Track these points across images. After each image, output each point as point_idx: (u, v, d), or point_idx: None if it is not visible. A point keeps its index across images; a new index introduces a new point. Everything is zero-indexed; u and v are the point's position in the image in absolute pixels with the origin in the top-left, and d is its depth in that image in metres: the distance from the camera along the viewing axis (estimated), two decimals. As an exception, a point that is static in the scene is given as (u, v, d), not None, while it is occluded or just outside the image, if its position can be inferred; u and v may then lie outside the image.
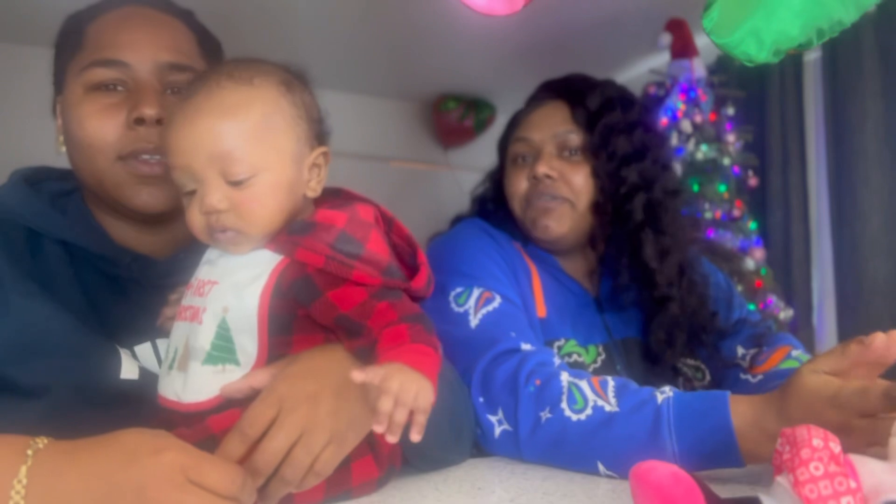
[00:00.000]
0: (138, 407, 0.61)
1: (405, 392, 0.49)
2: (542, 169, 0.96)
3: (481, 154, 4.01)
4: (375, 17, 2.63)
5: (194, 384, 0.58)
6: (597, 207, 0.98)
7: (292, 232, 0.60)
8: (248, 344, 0.58)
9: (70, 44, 0.74)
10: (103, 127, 0.69)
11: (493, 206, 1.08)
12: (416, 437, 0.50)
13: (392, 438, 0.49)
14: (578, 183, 0.97)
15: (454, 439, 0.73)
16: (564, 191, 0.96)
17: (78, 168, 0.73)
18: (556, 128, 0.99)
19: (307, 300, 0.59)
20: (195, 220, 0.60)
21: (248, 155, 0.58)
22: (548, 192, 0.96)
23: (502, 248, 0.97)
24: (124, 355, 0.67)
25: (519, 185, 1.00)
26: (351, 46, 2.90)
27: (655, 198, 0.98)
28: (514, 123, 1.07)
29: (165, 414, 0.61)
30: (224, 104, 0.58)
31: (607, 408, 0.70)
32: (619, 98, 1.01)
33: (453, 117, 3.57)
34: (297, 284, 0.59)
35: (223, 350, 0.58)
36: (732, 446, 0.62)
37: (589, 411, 0.70)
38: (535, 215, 0.98)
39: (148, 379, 0.67)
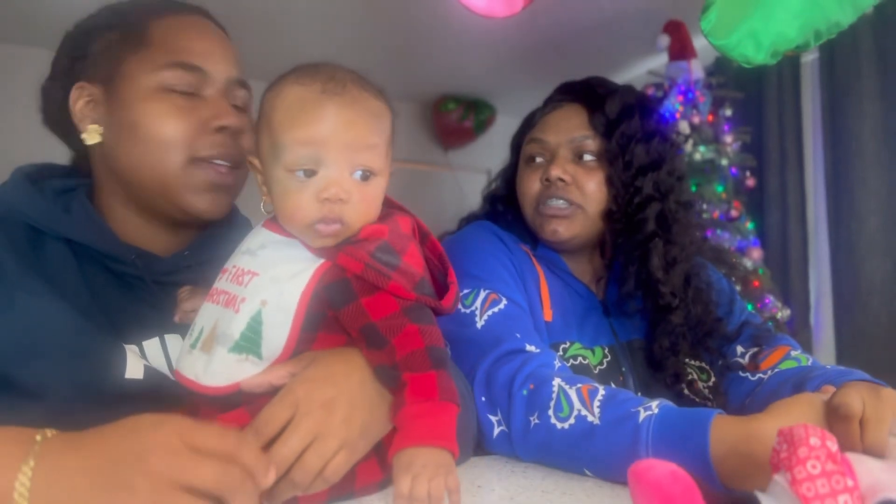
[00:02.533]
0: (142, 407, 0.61)
1: (436, 489, 0.51)
2: (555, 172, 0.95)
3: (481, 155, 4.05)
4: (376, 18, 2.64)
5: (216, 369, 0.59)
6: (608, 214, 0.97)
7: (338, 244, 0.61)
8: (277, 339, 0.59)
9: (130, 36, 0.72)
10: (177, 126, 0.69)
11: (503, 205, 1.08)
12: None
13: None
14: (591, 189, 0.96)
15: (460, 447, 0.73)
16: (576, 195, 0.96)
17: (134, 164, 0.71)
18: (572, 132, 0.98)
19: (340, 304, 0.59)
20: (307, 205, 0.59)
21: (382, 156, 0.62)
22: (560, 196, 0.96)
23: (511, 251, 0.97)
24: (130, 353, 0.67)
25: (531, 185, 1.00)
26: (351, 48, 2.90)
27: (669, 209, 0.97)
28: (530, 123, 1.06)
29: (169, 412, 0.61)
30: (372, 108, 0.62)
31: (589, 418, 0.70)
32: (637, 105, 1.00)
33: (453, 118, 3.58)
34: (334, 287, 0.59)
35: (250, 341, 0.59)
36: (710, 474, 0.61)
37: (572, 420, 0.70)
38: (544, 220, 0.98)
39: (153, 378, 0.67)
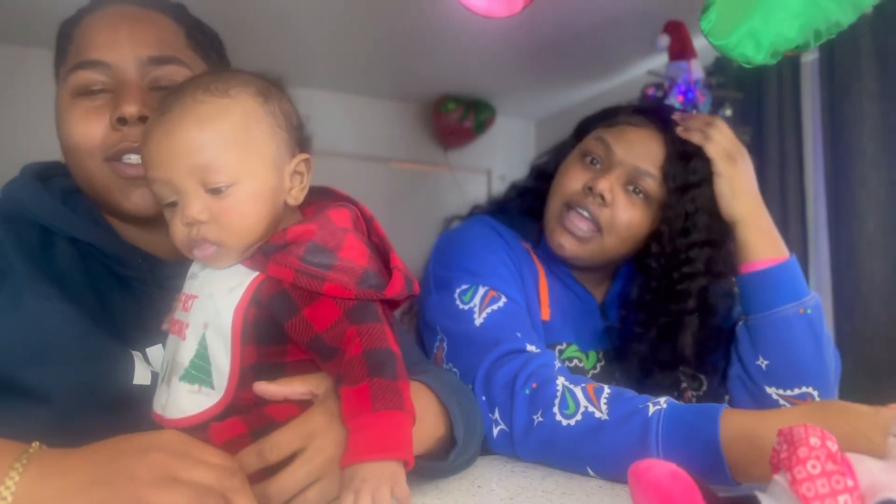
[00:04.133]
0: (147, 414, 0.61)
1: (380, 499, 0.47)
2: (603, 186, 0.89)
3: (481, 155, 4.03)
4: (376, 19, 2.64)
5: (174, 400, 0.57)
6: (645, 268, 0.94)
7: (265, 251, 0.58)
8: (223, 363, 0.56)
9: (61, 49, 0.74)
10: (88, 130, 0.68)
11: (542, 183, 1.02)
12: None
13: None
14: (622, 220, 0.90)
15: (469, 442, 0.72)
16: (606, 218, 0.90)
17: (73, 172, 0.73)
18: (642, 162, 0.90)
19: (285, 317, 0.57)
20: (178, 232, 0.58)
21: (228, 163, 0.57)
22: (589, 209, 0.91)
23: (510, 247, 0.95)
24: (137, 359, 0.66)
25: (572, 183, 0.94)
26: (352, 49, 2.90)
27: (714, 292, 0.92)
28: (608, 118, 0.97)
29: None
30: (201, 115, 0.57)
31: (597, 414, 0.70)
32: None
33: (453, 118, 3.58)
34: (276, 300, 0.57)
35: (200, 369, 0.56)
36: (720, 465, 0.61)
37: (579, 417, 0.71)
38: (558, 229, 0.93)
39: None
